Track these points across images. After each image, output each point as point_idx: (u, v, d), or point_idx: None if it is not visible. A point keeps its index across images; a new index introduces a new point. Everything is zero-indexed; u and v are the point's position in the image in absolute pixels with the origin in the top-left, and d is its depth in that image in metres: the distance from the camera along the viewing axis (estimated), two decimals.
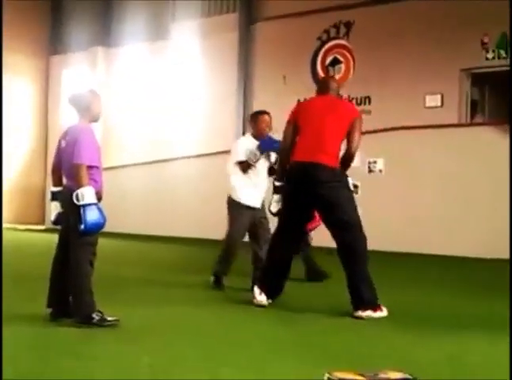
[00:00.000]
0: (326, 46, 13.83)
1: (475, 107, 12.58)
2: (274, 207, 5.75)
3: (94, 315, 4.43)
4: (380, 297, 5.19)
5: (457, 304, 6.07)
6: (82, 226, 4.36)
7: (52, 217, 4.78)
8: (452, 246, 10.89)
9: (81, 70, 17.49)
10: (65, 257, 4.56)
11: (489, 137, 10.96)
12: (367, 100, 12.99)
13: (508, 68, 11.67)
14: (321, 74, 13.86)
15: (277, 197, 5.71)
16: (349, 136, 5.33)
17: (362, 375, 3.22)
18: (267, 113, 6.68)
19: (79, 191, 4.38)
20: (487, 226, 10.67)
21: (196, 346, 4.11)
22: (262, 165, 6.53)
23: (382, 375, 3.25)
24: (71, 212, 4.44)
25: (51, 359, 3.70)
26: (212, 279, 6.61)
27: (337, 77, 13.68)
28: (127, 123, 16.69)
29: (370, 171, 11.97)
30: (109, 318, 4.47)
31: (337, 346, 4.23)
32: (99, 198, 4.53)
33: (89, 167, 4.49)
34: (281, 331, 4.70)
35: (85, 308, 4.46)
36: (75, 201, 4.37)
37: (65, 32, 18.22)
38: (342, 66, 13.65)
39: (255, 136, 6.60)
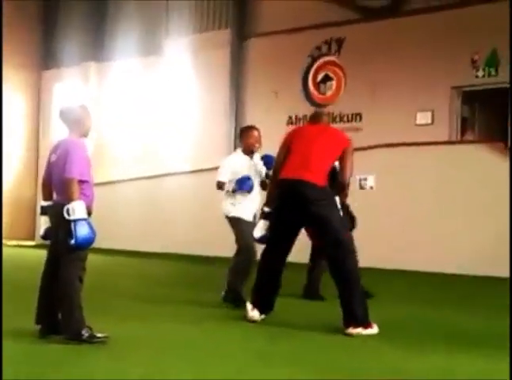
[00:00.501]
0: (318, 63, 13.91)
1: (465, 124, 12.67)
2: (258, 233, 5.67)
3: (84, 332, 4.39)
4: (372, 313, 5.19)
5: (449, 319, 6.05)
6: (73, 241, 4.32)
7: (41, 231, 4.76)
8: (445, 263, 10.89)
9: (73, 84, 17.49)
10: (54, 273, 4.52)
11: (480, 154, 11.01)
12: (358, 116, 13.05)
13: (497, 86, 11.79)
14: (312, 90, 13.94)
15: (263, 223, 5.66)
16: (341, 164, 5.46)
17: None
18: (256, 129, 6.68)
19: (70, 205, 4.35)
20: (479, 243, 10.68)
21: (187, 361, 4.08)
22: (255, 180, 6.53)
23: None
24: (61, 227, 4.41)
25: (42, 373, 3.67)
26: (222, 294, 6.45)
27: (328, 93, 13.81)
28: (119, 138, 16.67)
29: (361, 188, 11.99)
30: (99, 335, 4.43)
31: (328, 361, 4.21)
32: (89, 212, 4.50)
33: (80, 181, 4.46)
34: (273, 346, 4.68)
35: (74, 324, 4.41)
36: (66, 216, 4.34)
37: (57, 46, 18.23)
38: (333, 82, 13.72)
39: (245, 152, 6.61)
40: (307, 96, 14.00)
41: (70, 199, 4.37)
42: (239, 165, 6.50)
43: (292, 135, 5.74)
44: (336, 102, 13.45)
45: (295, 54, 13.91)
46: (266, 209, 5.65)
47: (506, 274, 9.66)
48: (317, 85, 13.95)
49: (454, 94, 12.35)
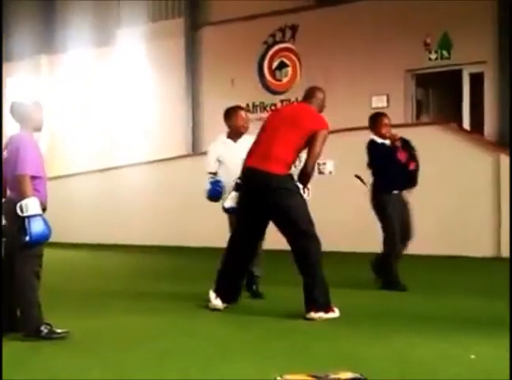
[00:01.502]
0: (273, 49, 13.91)
1: (420, 107, 12.83)
2: (228, 203, 5.68)
3: (43, 328, 4.35)
4: (333, 298, 5.23)
5: (411, 302, 6.13)
6: (27, 238, 4.27)
7: None
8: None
9: (24, 78, 17.14)
10: (11, 270, 4.45)
11: (435, 135, 11.14)
12: None
13: (450, 68, 11.97)
14: (269, 77, 13.96)
15: (234, 194, 5.65)
16: (308, 148, 5.34)
17: (313, 376, 3.23)
18: (242, 108, 6.43)
19: (23, 202, 4.29)
20: (436, 224, 10.84)
21: (148, 356, 4.06)
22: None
23: (332, 376, 3.27)
24: (15, 224, 4.34)
25: (3, 371, 3.61)
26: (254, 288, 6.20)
27: (284, 80, 13.82)
28: (73, 130, 16.43)
29: (320, 173, 12.00)
30: (58, 330, 4.39)
31: (291, 348, 4.24)
32: (44, 208, 4.44)
33: (33, 177, 4.40)
34: (235, 335, 4.69)
35: (33, 321, 4.37)
36: (19, 212, 4.28)
37: (6, 40, 17.80)
38: (289, 69, 13.75)
39: (232, 134, 6.24)
40: (264, 83, 14.01)
41: (22, 196, 4.31)
42: (223, 152, 6.20)
43: (270, 117, 5.70)
44: (292, 88, 13.47)
45: (249, 41, 13.88)
46: (239, 181, 5.59)
47: (451, 252, 9.90)
48: (273, 72, 13.95)
49: (408, 77, 12.49)
